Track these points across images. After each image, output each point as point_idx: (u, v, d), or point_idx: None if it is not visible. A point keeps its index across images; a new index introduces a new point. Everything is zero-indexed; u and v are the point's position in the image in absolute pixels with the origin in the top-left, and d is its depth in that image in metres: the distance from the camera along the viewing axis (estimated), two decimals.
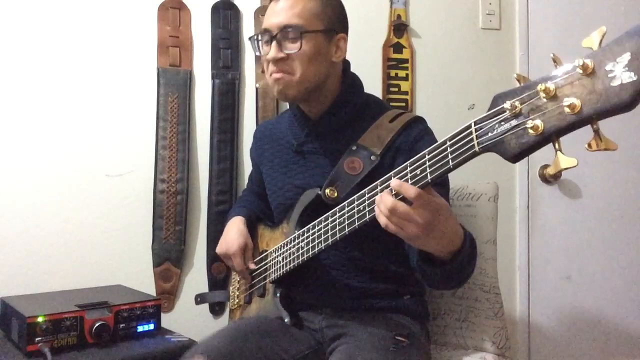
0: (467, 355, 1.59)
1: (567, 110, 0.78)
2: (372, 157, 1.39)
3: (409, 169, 1.07)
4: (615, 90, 0.74)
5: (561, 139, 0.83)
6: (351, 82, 1.52)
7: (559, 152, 0.82)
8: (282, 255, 1.48)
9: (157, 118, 1.93)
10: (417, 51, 2.19)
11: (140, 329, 1.55)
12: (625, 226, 2.32)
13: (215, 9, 2.00)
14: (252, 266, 1.59)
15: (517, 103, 0.85)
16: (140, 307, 1.55)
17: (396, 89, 2.15)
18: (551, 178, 2.25)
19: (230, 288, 1.79)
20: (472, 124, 0.93)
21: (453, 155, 0.97)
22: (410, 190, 1.03)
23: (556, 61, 0.80)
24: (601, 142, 0.78)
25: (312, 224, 1.36)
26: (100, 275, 1.88)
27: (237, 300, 1.72)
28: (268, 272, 1.55)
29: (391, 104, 2.09)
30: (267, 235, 1.62)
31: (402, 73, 2.16)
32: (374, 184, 1.16)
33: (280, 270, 1.48)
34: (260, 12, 1.99)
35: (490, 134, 0.90)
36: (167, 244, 1.93)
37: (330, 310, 1.49)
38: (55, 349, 1.39)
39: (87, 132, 1.88)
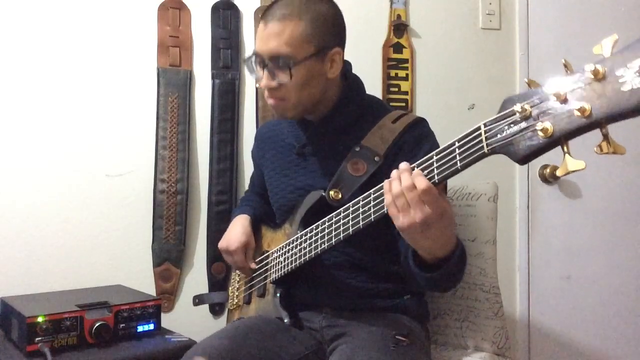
0: (467, 355, 1.59)
1: (577, 113, 0.79)
2: (376, 159, 1.39)
3: (417, 169, 1.07)
4: (626, 95, 0.74)
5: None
6: (352, 85, 1.51)
7: (567, 155, 0.83)
8: (283, 256, 1.48)
9: (157, 118, 1.92)
10: (417, 51, 2.19)
11: (140, 329, 1.55)
12: (625, 226, 2.33)
13: (215, 9, 1.99)
14: (254, 266, 1.59)
15: (527, 106, 0.86)
16: (140, 307, 1.55)
17: (396, 89, 2.16)
18: (551, 178, 2.26)
19: (230, 288, 1.79)
20: (482, 126, 0.94)
21: (462, 156, 0.98)
22: (423, 183, 1.04)
23: (567, 66, 0.80)
24: (610, 146, 0.79)
25: (315, 224, 1.36)
26: (100, 275, 1.87)
27: (236, 301, 1.71)
28: (269, 273, 1.54)
29: (391, 104, 2.09)
30: (269, 236, 1.61)
31: (402, 73, 2.16)
32: (378, 185, 1.16)
33: (281, 271, 1.47)
34: (260, 12, 1.99)
35: (499, 136, 0.91)
36: (167, 244, 1.92)
37: (331, 310, 1.48)
38: (55, 349, 1.39)
39: (87, 132, 1.87)
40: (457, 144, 0.99)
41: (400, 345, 1.30)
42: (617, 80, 0.75)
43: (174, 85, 1.94)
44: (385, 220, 1.14)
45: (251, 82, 2.02)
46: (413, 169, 1.08)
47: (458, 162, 0.99)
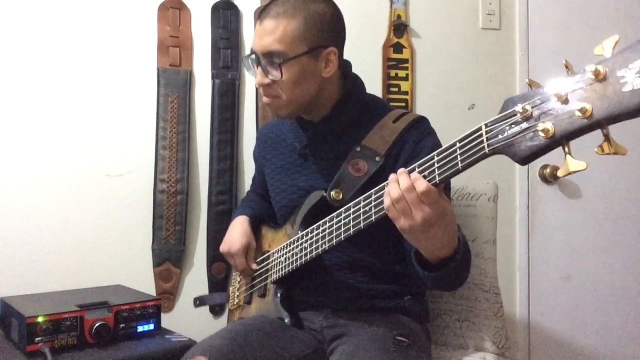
0: (467, 355, 1.59)
1: (578, 114, 0.79)
2: (377, 158, 1.39)
3: (417, 170, 1.07)
4: (627, 96, 0.75)
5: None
6: (352, 85, 1.50)
7: (568, 156, 0.83)
8: (284, 256, 1.47)
9: (157, 118, 1.92)
10: (417, 51, 2.19)
11: (140, 329, 1.55)
12: (625, 226, 2.33)
13: (215, 9, 1.99)
14: (254, 266, 1.59)
15: (528, 106, 0.86)
16: (140, 307, 1.55)
17: (396, 89, 2.16)
18: (551, 178, 2.26)
19: (230, 288, 1.79)
20: (483, 126, 0.94)
21: (463, 156, 0.98)
22: (423, 185, 1.04)
23: (568, 67, 0.80)
24: (611, 146, 0.79)
25: (316, 225, 1.36)
26: (100, 275, 1.87)
27: (237, 301, 1.71)
28: (269, 273, 1.54)
29: (391, 104, 2.09)
30: (270, 237, 1.61)
31: (402, 73, 2.16)
32: (379, 185, 1.16)
33: (282, 271, 1.47)
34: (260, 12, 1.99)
35: (500, 136, 0.91)
36: (167, 244, 1.92)
37: (331, 310, 1.48)
38: (55, 349, 1.39)
39: (87, 132, 1.87)
40: (458, 144, 0.99)
41: (400, 346, 1.31)
42: (618, 80, 0.76)
43: (174, 85, 1.94)
44: (386, 220, 1.14)
45: (251, 82, 2.02)
46: (414, 169, 1.08)
47: (459, 162, 0.99)
